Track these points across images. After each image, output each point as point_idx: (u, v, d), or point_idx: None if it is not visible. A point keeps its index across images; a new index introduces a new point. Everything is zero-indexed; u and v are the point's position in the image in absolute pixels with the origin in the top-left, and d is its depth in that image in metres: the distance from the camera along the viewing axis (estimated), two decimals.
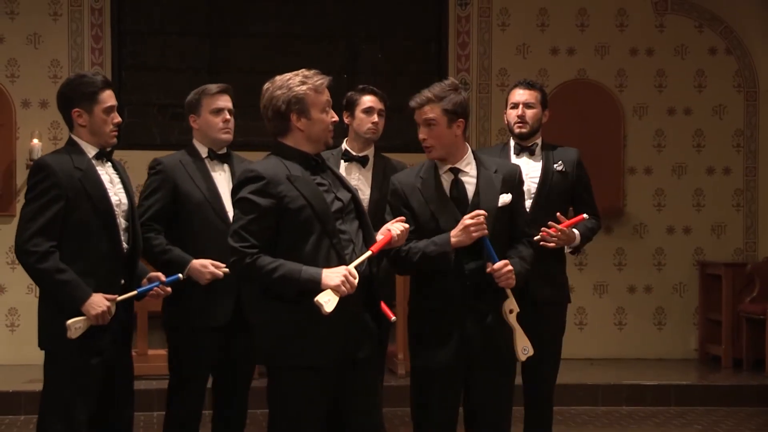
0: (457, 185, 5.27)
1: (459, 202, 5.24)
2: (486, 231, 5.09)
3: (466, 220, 5.10)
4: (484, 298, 5.17)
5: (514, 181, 5.33)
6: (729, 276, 10.89)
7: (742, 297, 10.78)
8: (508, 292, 5.18)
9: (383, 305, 5.04)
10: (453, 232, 5.12)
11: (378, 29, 11.53)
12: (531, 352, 5.22)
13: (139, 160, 10.10)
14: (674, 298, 11.41)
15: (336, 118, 4.92)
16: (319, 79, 4.83)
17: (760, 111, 11.47)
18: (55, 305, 5.23)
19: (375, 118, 6.38)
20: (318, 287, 4.60)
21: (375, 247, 4.79)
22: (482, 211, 5.12)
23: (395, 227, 4.88)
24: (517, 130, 6.42)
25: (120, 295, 5.33)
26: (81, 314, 5.18)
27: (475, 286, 5.18)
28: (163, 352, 5.99)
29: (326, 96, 4.85)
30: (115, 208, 5.34)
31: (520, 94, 6.45)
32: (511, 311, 5.17)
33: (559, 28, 11.37)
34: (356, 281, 4.63)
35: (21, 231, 5.24)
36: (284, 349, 4.71)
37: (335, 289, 4.59)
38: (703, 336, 11.25)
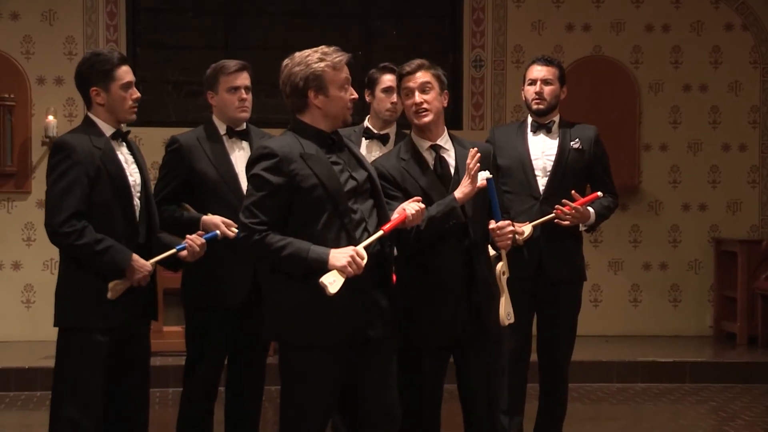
0: (441, 162, 5.24)
1: (444, 179, 5.22)
2: (487, 173, 5.12)
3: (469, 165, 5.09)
4: (476, 275, 5.16)
5: (489, 159, 5.32)
6: (744, 253, 10.86)
7: (757, 274, 10.76)
8: (503, 254, 5.16)
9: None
10: (457, 190, 5.09)
11: (393, 6, 11.50)
12: (513, 320, 5.17)
13: (154, 138, 10.13)
14: (689, 275, 11.40)
15: (356, 95, 4.90)
16: (338, 56, 4.81)
17: None
18: (99, 273, 5.21)
19: (394, 98, 6.35)
20: (325, 267, 4.59)
21: (387, 227, 4.77)
22: (474, 150, 5.11)
23: (410, 207, 4.85)
24: (534, 107, 6.41)
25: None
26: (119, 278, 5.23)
27: (467, 263, 5.16)
28: (179, 328, 6.01)
29: (345, 73, 4.82)
30: (132, 188, 5.35)
31: (537, 71, 6.43)
32: (504, 273, 5.13)
33: (574, 5, 11.32)
34: (364, 262, 4.62)
35: (53, 214, 5.19)
36: (293, 327, 4.73)
37: (341, 270, 4.58)
38: (718, 313, 11.24)
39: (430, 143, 5.25)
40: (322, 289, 4.55)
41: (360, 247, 4.65)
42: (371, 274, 4.75)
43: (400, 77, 5.27)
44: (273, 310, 4.80)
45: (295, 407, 4.78)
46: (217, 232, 5.66)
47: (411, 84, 5.21)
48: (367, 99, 6.39)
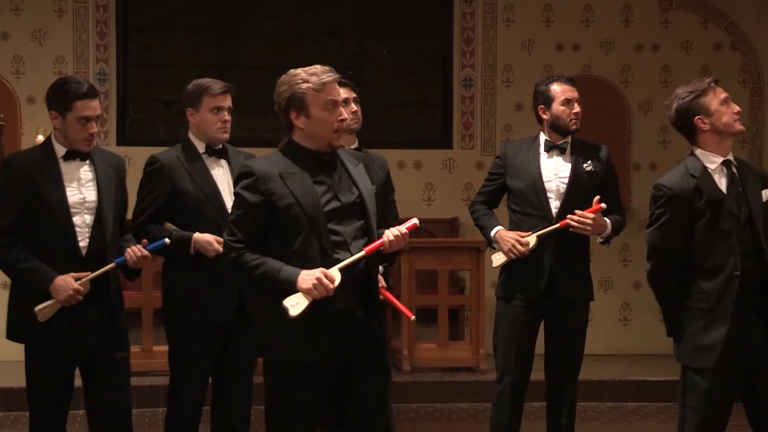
0: (733, 179, 5.39)
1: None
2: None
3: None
4: None
5: None
6: None
7: None
8: None
9: (400, 305, 5.01)
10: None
11: (384, 25, 11.52)
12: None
13: (144, 157, 10.04)
14: None
15: (344, 116, 4.81)
16: (324, 77, 4.75)
17: (765, 107, 11.47)
18: (26, 295, 5.38)
19: (353, 107, 6.38)
20: (294, 288, 4.58)
21: (368, 249, 4.71)
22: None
23: (388, 233, 4.75)
24: (573, 126, 6.46)
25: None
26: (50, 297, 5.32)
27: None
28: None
29: (330, 94, 4.74)
30: (75, 206, 5.39)
31: (571, 91, 6.49)
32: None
33: (564, 24, 11.36)
34: (335, 284, 4.58)
35: None
36: (270, 344, 4.75)
37: (307, 292, 4.56)
38: None
39: (722, 159, 5.45)
40: (285, 311, 4.54)
41: (335, 269, 4.61)
42: (356, 295, 4.72)
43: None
44: (257, 327, 4.85)
45: (275, 424, 4.79)
46: (166, 240, 5.63)
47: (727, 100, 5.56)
48: None
